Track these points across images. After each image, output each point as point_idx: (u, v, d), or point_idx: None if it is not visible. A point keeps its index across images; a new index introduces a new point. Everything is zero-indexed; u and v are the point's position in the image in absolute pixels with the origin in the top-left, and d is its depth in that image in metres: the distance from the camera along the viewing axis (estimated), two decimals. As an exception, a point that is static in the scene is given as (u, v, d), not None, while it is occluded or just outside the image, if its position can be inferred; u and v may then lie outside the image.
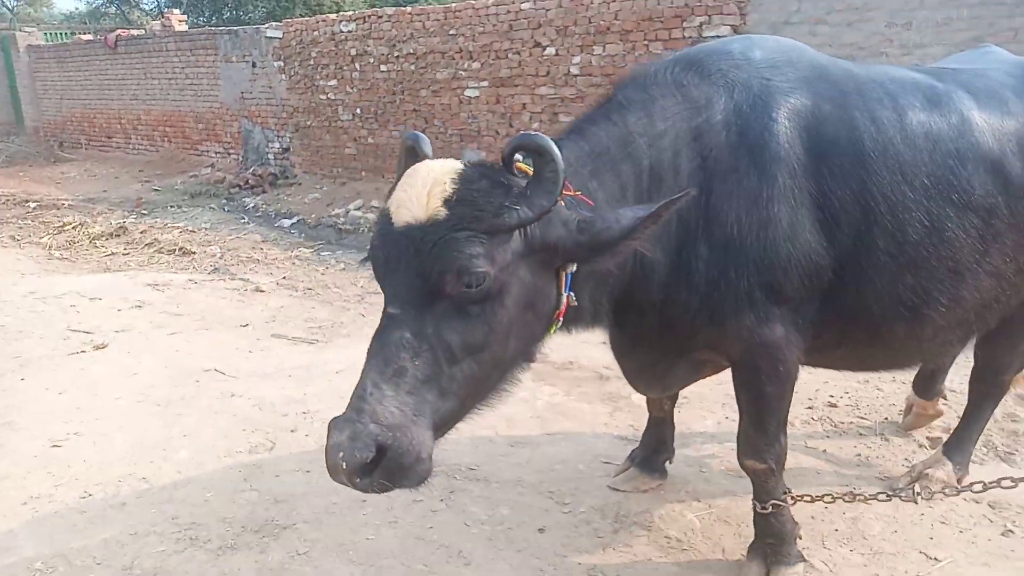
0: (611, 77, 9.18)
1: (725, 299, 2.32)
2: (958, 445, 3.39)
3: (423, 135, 2.14)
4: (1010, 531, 3.03)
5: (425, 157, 2.10)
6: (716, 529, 3.09)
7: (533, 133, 1.98)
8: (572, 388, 4.53)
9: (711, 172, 2.29)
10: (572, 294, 2.09)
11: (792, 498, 2.72)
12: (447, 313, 1.89)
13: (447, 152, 10.90)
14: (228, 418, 4.13)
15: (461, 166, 1.98)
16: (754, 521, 2.79)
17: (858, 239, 2.37)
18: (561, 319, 2.13)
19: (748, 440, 2.64)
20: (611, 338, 2.66)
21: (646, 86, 2.39)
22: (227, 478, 3.47)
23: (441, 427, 1.95)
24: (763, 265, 2.29)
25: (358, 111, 12.08)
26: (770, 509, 2.68)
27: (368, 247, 2.05)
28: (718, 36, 8.21)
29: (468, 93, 10.61)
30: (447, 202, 1.88)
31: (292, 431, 3.96)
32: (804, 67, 2.49)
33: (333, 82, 12.34)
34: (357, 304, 6.73)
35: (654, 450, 3.41)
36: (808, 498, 2.73)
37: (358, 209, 10.95)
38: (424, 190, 1.90)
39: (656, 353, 2.59)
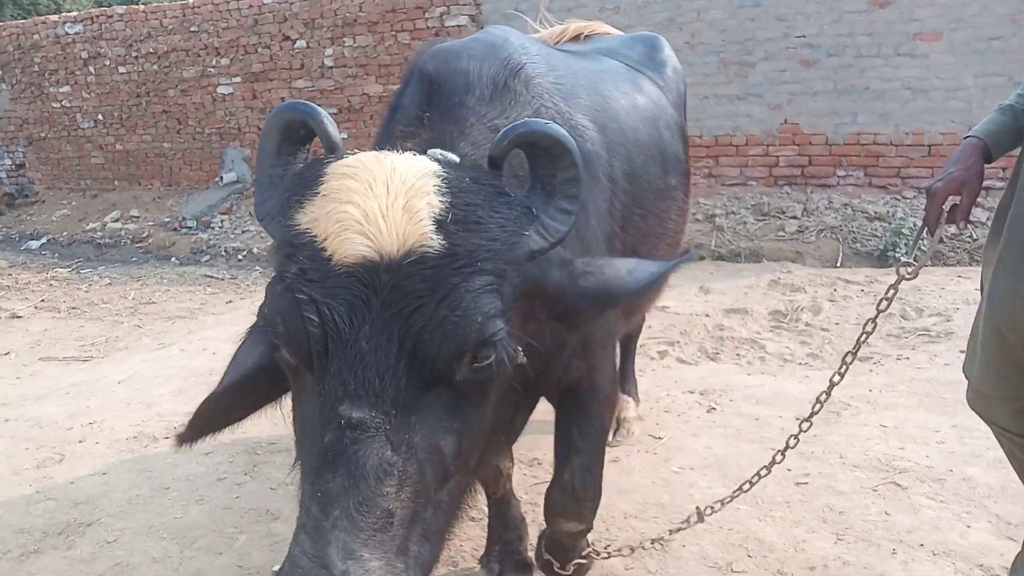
0: (365, 67, 9.49)
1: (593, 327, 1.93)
2: (624, 380, 3.77)
3: (317, 106, 1.44)
4: (713, 408, 3.88)
5: (332, 144, 1.43)
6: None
7: (542, 122, 1.39)
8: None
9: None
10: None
11: (597, 553, 2.43)
12: (442, 406, 1.26)
13: (208, 153, 10.60)
14: (7, 441, 4.00)
15: (439, 165, 1.34)
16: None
17: (627, 224, 2.24)
18: None
19: (574, 495, 2.16)
20: None
21: (483, 89, 1.88)
22: (17, 494, 3.43)
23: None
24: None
25: (100, 117, 11.33)
26: (572, 571, 2.37)
27: (269, 294, 1.30)
28: (458, 25, 8.83)
29: (221, 90, 10.39)
30: (441, 224, 1.23)
31: (80, 442, 3.94)
32: (558, 60, 2.30)
33: (66, 88, 11.44)
34: (131, 317, 6.55)
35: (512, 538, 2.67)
36: (607, 554, 2.44)
37: (116, 221, 10.35)
38: (400, 202, 1.22)
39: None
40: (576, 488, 2.15)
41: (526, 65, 2.01)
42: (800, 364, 4.45)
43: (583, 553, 2.38)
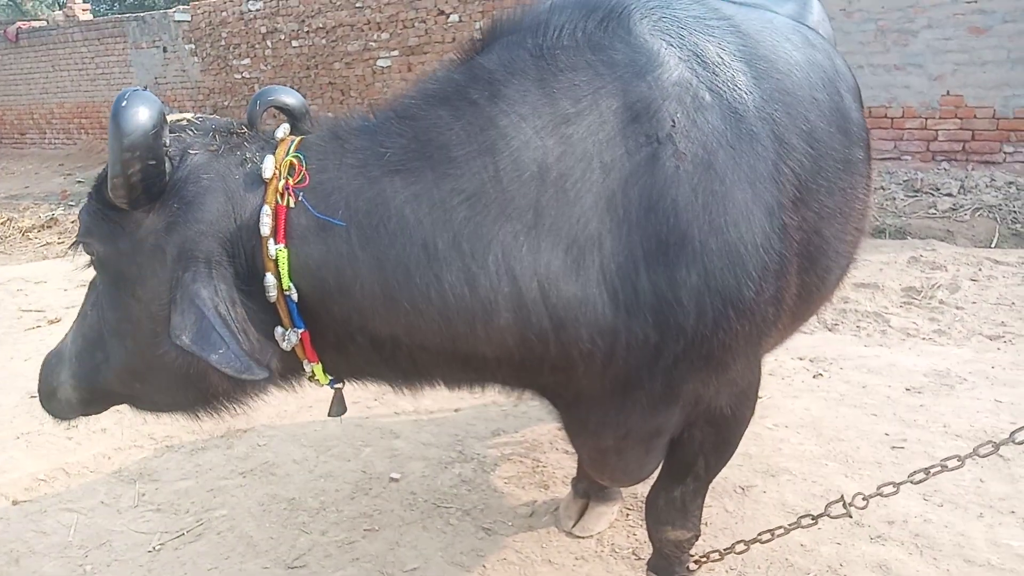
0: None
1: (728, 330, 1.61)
2: None
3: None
4: (820, 374, 3.89)
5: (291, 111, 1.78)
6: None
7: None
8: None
9: (672, 162, 1.52)
10: (301, 330, 1.59)
11: (698, 563, 2.28)
12: (103, 276, 1.73)
13: (365, 121, 11.40)
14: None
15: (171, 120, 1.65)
16: None
17: (805, 197, 1.74)
18: (308, 366, 1.67)
19: (683, 508, 2.10)
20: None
21: (537, 46, 1.62)
22: (191, 403, 4.08)
23: (97, 391, 1.85)
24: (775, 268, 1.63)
25: (275, 88, 12.42)
26: None
27: None
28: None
29: (380, 63, 11.10)
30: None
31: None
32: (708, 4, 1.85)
33: (247, 61, 12.63)
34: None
35: None
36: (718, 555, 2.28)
37: (284, 183, 11.38)
38: None
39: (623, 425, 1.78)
40: (687, 503, 2.10)
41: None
42: (924, 339, 4.32)
43: (687, 566, 2.26)
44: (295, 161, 1.60)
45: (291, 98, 1.77)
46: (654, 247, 1.52)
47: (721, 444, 1.99)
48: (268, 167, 1.58)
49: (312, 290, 1.57)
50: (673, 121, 1.54)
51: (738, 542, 2.20)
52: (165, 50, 13.87)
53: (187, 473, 3.41)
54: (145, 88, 1.56)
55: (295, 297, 1.56)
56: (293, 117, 1.75)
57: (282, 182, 1.57)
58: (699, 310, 1.55)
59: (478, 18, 10.04)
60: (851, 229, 2.04)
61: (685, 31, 1.67)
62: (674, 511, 2.10)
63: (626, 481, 2.10)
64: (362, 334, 1.61)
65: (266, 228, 1.54)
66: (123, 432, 3.82)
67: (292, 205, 1.56)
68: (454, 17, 10.25)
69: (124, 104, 1.46)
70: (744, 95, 1.64)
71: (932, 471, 2.07)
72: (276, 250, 1.54)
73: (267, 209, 1.54)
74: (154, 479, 3.39)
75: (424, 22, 10.54)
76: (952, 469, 2.06)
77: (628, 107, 1.55)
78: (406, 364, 1.69)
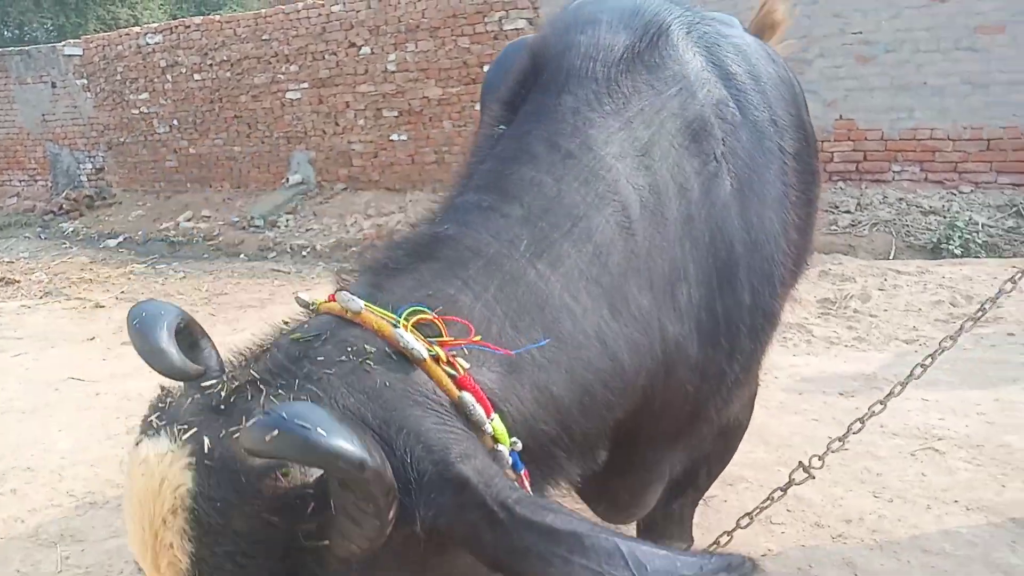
0: (426, 71, 9.82)
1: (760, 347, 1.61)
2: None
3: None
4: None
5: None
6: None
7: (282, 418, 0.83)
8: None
9: (727, 181, 1.50)
10: (524, 470, 1.19)
11: None
12: None
13: (276, 156, 11.10)
14: (100, 411, 4.39)
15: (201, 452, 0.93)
16: None
17: (800, 217, 1.73)
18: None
19: (681, 520, 2.09)
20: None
21: (605, 74, 1.50)
22: (111, 455, 3.79)
23: None
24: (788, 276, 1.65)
25: (175, 122, 11.98)
26: None
27: None
28: (516, 29, 9.09)
29: (290, 96, 10.88)
30: (192, 550, 0.93)
31: (166, 410, 4.29)
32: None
33: (145, 95, 12.13)
34: (205, 306, 6.99)
35: None
36: None
37: (188, 220, 10.93)
38: (153, 542, 0.96)
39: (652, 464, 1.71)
40: (684, 514, 2.08)
41: (649, 9, 1.61)
42: (846, 347, 4.53)
43: None
44: (425, 316, 1.13)
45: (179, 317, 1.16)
46: (723, 269, 1.47)
47: (726, 453, 1.99)
48: (413, 345, 1.07)
49: (523, 432, 1.21)
50: (723, 140, 1.52)
51: (722, 534, 2.23)
52: (54, 85, 13.15)
53: (116, 531, 3.14)
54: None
55: (519, 447, 1.16)
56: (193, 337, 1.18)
57: (435, 350, 1.09)
58: (752, 330, 1.52)
59: (390, 50, 10.01)
60: (811, 238, 2.02)
61: (711, 47, 1.64)
62: (673, 524, 2.04)
63: (642, 513, 1.93)
64: (557, 445, 1.30)
65: (478, 413, 1.08)
66: (36, 491, 3.51)
67: (467, 365, 1.12)
68: (365, 49, 10.18)
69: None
70: (759, 112, 1.63)
71: (862, 420, 2.45)
72: (491, 423, 1.10)
73: (469, 396, 1.07)
74: (78, 540, 3.12)
75: (335, 54, 10.42)
76: (863, 425, 2.46)
77: (687, 126, 1.50)
78: (583, 450, 1.39)
